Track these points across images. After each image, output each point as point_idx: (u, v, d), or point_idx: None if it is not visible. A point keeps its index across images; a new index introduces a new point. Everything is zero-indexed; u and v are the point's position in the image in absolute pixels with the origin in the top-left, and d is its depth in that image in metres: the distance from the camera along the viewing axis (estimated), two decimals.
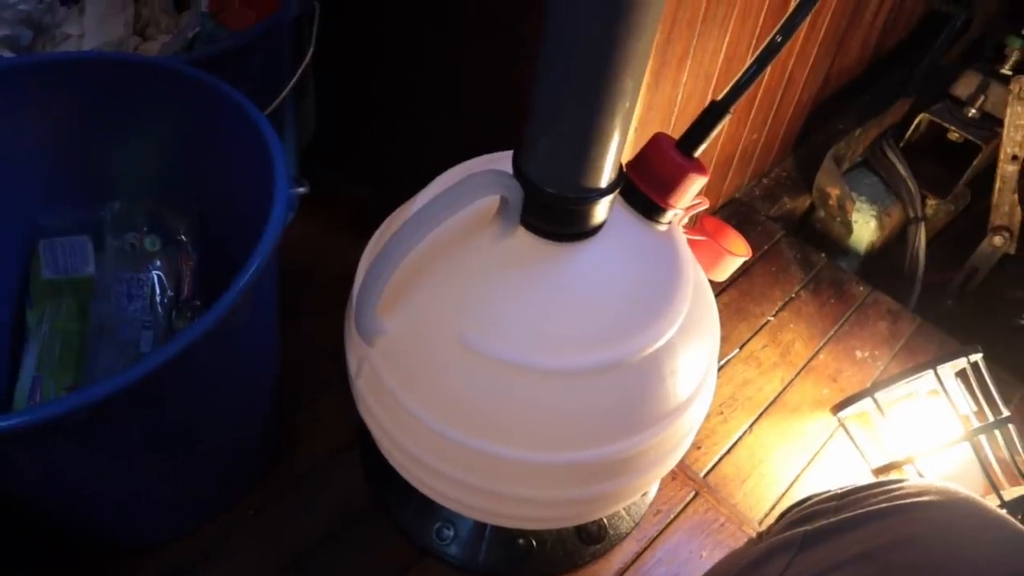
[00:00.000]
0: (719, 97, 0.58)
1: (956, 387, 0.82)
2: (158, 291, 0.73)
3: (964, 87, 1.32)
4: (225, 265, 0.62)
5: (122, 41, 0.81)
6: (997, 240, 1.29)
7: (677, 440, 0.64)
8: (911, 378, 0.80)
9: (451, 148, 0.69)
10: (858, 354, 0.98)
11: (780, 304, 1.03)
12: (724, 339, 0.97)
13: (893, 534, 0.45)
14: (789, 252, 1.10)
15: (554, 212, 0.54)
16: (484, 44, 0.81)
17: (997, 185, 1.27)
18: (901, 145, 1.31)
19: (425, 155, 0.74)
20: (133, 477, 0.63)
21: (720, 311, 1.02)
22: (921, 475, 0.79)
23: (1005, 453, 0.77)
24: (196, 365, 0.56)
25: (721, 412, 0.90)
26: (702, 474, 0.84)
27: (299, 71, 0.84)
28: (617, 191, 0.54)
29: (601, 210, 0.55)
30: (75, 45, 0.79)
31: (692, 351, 0.60)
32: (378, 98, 1.00)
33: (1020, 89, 1.16)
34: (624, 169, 0.61)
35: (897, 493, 0.48)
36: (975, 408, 0.82)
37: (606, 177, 0.52)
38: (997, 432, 0.76)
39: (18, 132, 0.72)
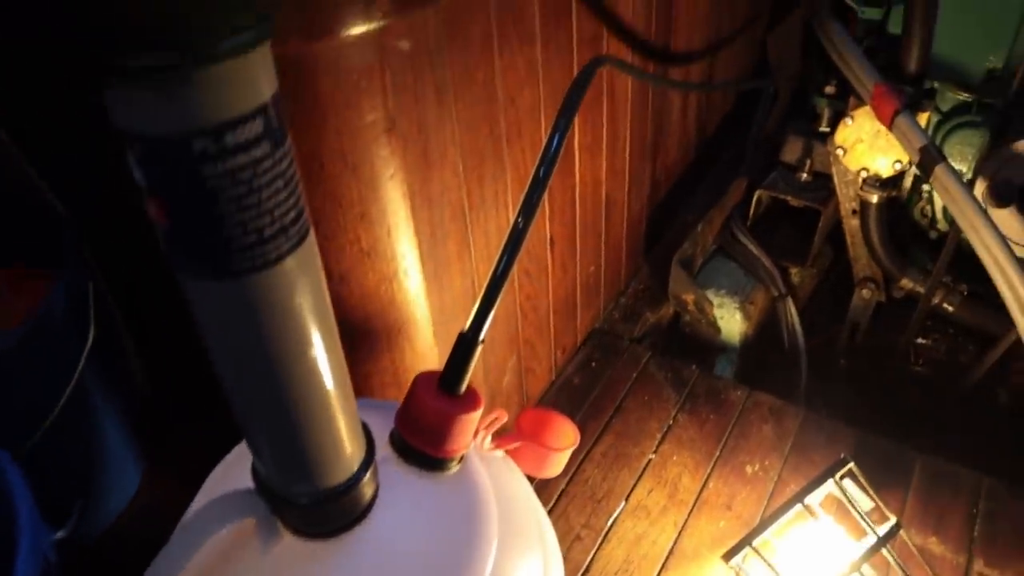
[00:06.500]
0: (466, 327, 0.54)
1: (849, 494, 0.78)
2: None
3: (791, 152, 1.35)
4: None
5: None
6: (865, 293, 1.29)
7: None
8: (786, 515, 0.76)
9: None
10: (748, 470, 0.94)
11: (659, 437, 0.99)
12: (608, 493, 0.93)
13: None
14: (659, 374, 1.07)
15: (307, 512, 0.49)
16: None
17: (848, 240, 1.28)
18: (749, 224, 1.32)
19: None
20: None
21: (599, 461, 0.98)
22: None
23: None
24: None
25: None
26: None
27: (81, 358, 0.79)
28: (370, 471, 0.49)
29: (363, 492, 0.50)
30: None
31: None
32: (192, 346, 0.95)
33: (834, 149, 1.18)
34: (395, 424, 0.57)
35: None
36: (868, 511, 0.78)
37: (348, 466, 0.48)
38: (885, 551, 0.72)
39: None
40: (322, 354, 0.41)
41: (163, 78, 0.28)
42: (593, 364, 1.08)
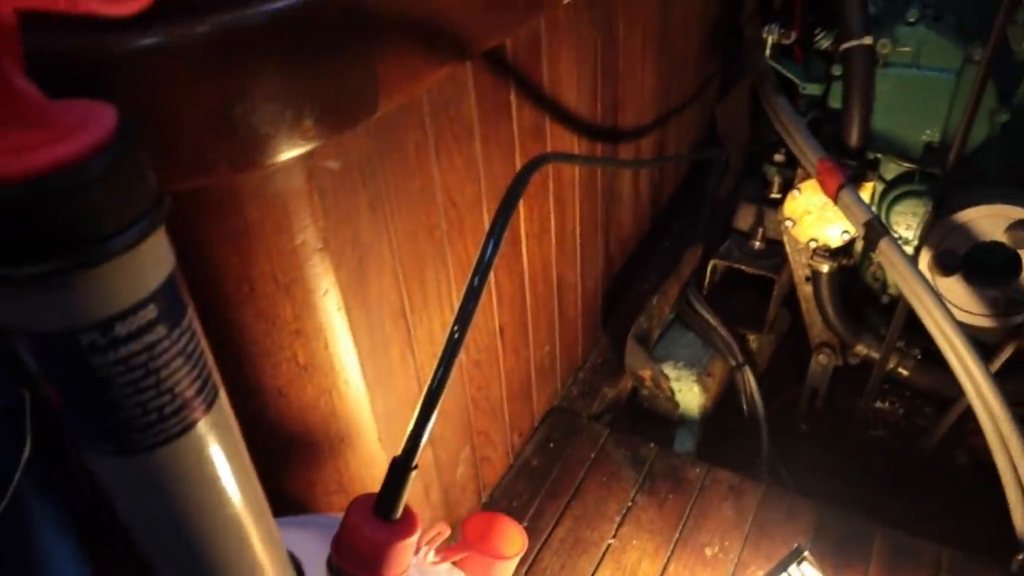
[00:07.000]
0: (399, 452, 0.54)
1: None
2: None
3: (743, 220, 1.37)
4: None
5: None
6: (822, 358, 1.30)
7: None
8: None
9: None
10: (708, 552, 0.94)
11: (618, 520, 0.98)
12: None
13: None
14: (617, 452, 1.07)
15: None
16: None
17: (803, 307, 1.30)
18: (705, 292, 1.33)
19: None
20: None
21: (557, 548, 0.97)
22: None
23: None
24: None
25: None
26: None
27: (18, 470, 0.77)
28: None
29: None
30: None
31: None
32: None
33: (783, 220, 1.20)
34: (331, 550, 0.56)
35: None
36: None
37: None
38: None
39: None
40: (238, 507, 0.40)
41: (46, 284, 0.28)
42: (551, 444, 1.07)
